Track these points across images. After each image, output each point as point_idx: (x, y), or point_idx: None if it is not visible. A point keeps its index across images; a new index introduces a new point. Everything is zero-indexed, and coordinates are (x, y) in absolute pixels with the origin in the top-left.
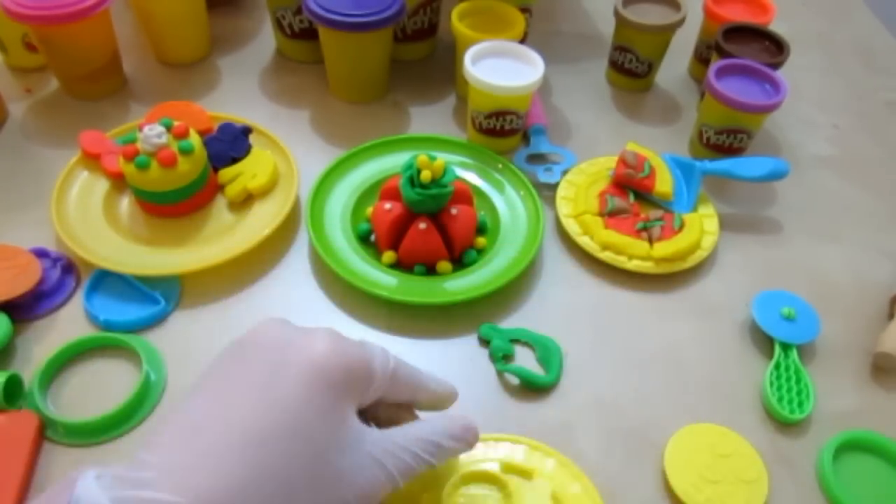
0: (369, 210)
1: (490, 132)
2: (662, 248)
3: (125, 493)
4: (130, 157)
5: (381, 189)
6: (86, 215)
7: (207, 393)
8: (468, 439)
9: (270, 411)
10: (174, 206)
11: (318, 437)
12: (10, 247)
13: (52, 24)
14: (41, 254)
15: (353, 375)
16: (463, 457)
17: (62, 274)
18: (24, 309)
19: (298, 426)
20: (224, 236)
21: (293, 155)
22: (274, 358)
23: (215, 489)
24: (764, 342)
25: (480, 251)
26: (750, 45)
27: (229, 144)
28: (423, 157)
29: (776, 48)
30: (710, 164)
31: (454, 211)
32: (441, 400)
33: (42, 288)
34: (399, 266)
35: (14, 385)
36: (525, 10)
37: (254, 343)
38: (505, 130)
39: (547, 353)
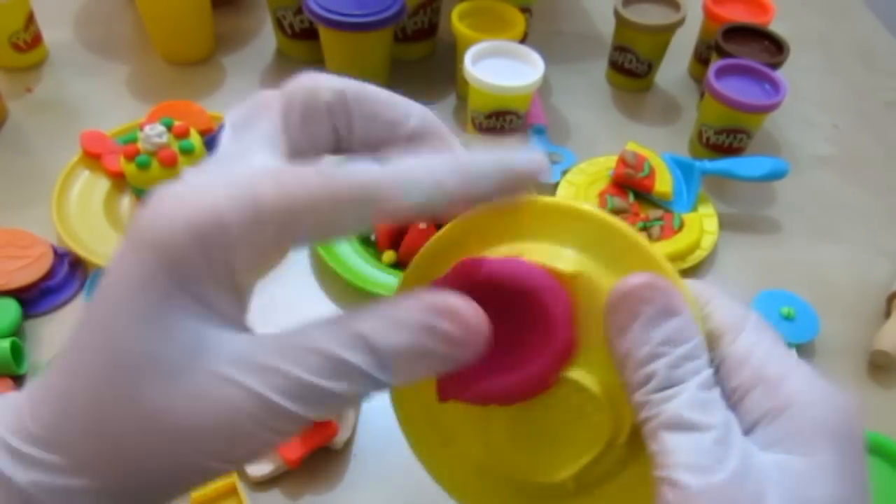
0: None
1: (490, 132)
2: (662, 248)
3: None
4: (131, 156)
5: None
6: (87, 215)
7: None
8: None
9: (85, 328)
10: None
11: (135, 360)
12: (29, 234)
13: None
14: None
15: (193, 255)
16: None
17: (70, 270)
18: (31, 303)
19: (107, 340)
20: None
21: None
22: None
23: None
24: None
25: None
26: (750, 45)
27: None
28: None
29: (776, 48)
30: (709, 164)
31: None
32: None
33: (49, 283)
34: (399, 265)
35: (18, 350)
36: (525, 10)
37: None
38: (505, 130)
39: None
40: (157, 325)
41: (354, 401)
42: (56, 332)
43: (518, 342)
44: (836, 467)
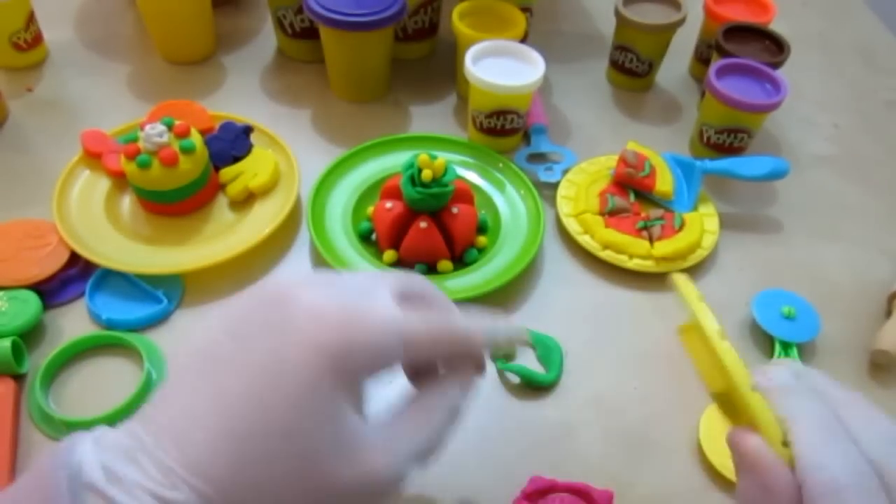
0: (370, 209)
1: (491, 131)
2: (663, 248)
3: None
4: (132, 155)
5: (382, 188)
6: (87, 214)
7: (206, 374)
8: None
9: (262, 405)
10: (175, 204)
11: (313, 435)
12: (42, 222)
13: None
14: None
15: (359, 362)
16: None
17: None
18: (51, 294)
19: (290, 425)
20: (225, 235)
21: (294, 154)
22: (273, 345)
23: (216, 481)
24: (764, 341)
25: (481, 250)
26: (750, 44)
27: (230, 143)
28: (423, 157)
29: (776, 48)
30: (710, 164)
31: (455, 210)
32: (502, 340)
33: (69, 272)
34: (400, 265)
35: (19, 349)
36: (526, 9)
37: (255, 318)
38: (506, 130)
39: (547, 351)
40: (327, 414)
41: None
42: (52, 336)
43: None
44: None
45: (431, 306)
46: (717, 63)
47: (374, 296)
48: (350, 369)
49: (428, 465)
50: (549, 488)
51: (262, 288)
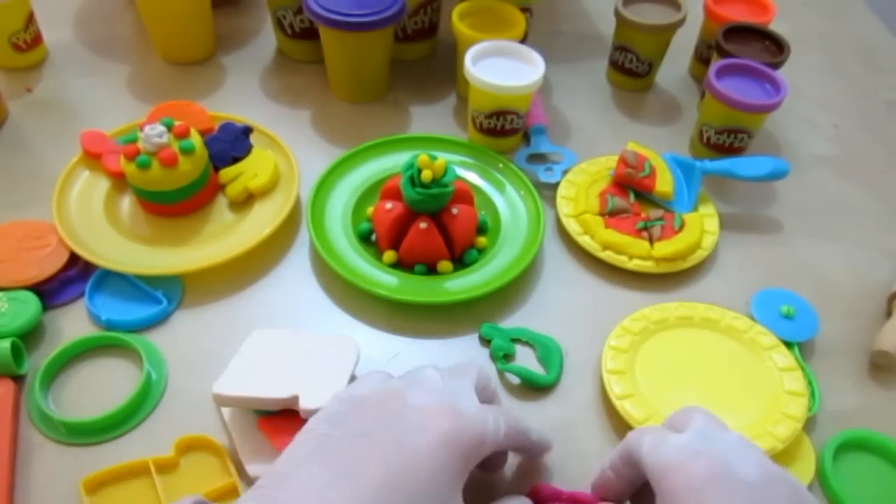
0: (370, 210)
1: (491, 132)
2: (663, 248)
3: None
4: (131, 156)
5: (381, 189)
6: (87, 215)
7: (331, 465)
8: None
9: (400, 488)
10: (175, 205)
11: None
12: (42, 223)
13: None
14: None
15: (471, 452)
16: None
17: (86, 261)
18: (50, 295)
19: (424, 499)
20: (225, 236)
21: (294, 154)
22: (398, 436)
23: None
24: None
25: (481, 251)
26: (750, 44)
27: (230, 144)
28: (423, 157)
29: (776, 48)
30: (710, 164)
31: (455, 210)
32: (538, 450)
33: (69, 273)
34: (400, 265)
35: (18, 350)
36: (525, 9)
37: (366, 414)
38: (505, 130)
39: (547, 352)
40: (449, 496)
41: None
42: (52, 335)
43: None
44: None
45: (493, 398)
46: (716, 63)
47: (465, 396)
48: (464, 455)
49: None
50: (553, 497)
51: (355, 390)
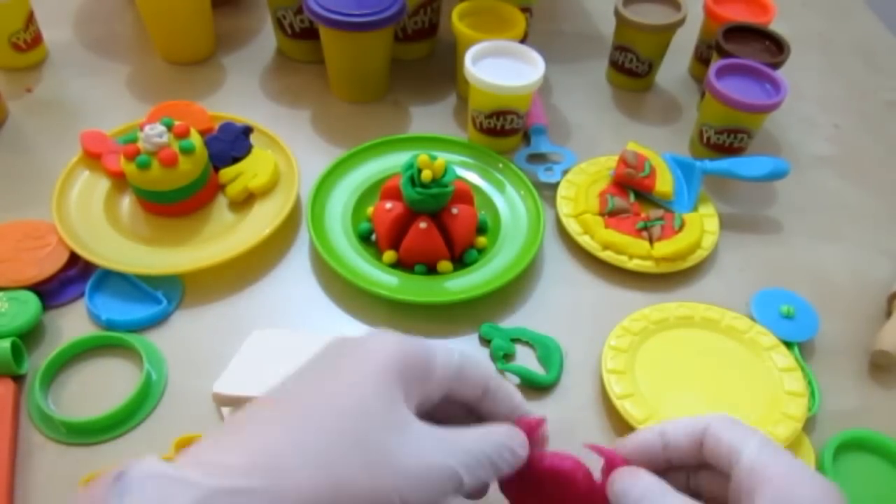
0: (370, 209)
1: (490, 132)
2: (663, 248)
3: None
4: (131, 156)
5: (381, 188)
6: (87, 215)
7: (277, 405)
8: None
9: (326, 393)
10: (175, 205)
11: (371, 414)
12: (42, 223)
13: None
14: None
15: (411, 363)
16: None
17: (85, 261)
18: (50, 295)
19: (350, 403)
20: (225, 236)
21: (294, 154)
22: (342, 357)
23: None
24: None
25: (481, 251)
26: (750, 44)
27: (230, 144)
28: (423, 157)
29: (776, 48)
30: (710, 164)
31: (455, 210)
32: (513, 406)
33: (68, 273)
34: (400, 265)
35: (18, 350)
36: (525, 9)
37: (331, 347)
38: (505, 130)
39: (547, 352)
40: (388, 404)
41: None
42: (53, 335)
43: None
44: None
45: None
46: (716, 63)
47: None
48: (407, 368)
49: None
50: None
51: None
